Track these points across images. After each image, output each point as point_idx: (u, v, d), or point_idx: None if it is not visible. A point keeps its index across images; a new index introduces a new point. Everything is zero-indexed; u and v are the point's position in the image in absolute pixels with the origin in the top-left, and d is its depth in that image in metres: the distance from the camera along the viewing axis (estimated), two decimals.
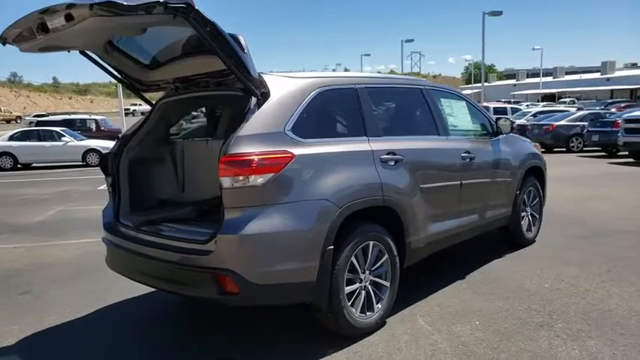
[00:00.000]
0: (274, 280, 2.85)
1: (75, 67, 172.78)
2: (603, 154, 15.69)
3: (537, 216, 5.47)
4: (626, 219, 6.45)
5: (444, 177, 4.06)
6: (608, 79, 54.59)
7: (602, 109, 22.86)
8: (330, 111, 3.47)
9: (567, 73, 69.00)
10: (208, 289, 2.84)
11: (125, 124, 21.23)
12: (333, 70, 37.16)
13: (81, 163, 16.62)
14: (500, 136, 4.88)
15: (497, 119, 4.98)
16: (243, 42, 2.82)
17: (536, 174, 5.38)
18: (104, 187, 4.44)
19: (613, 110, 21.66)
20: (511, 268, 4.62)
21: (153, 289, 3.82)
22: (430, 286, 4.12)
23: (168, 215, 3.50)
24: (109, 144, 15.10)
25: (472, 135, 4.69)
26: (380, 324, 3.38)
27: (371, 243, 3.29)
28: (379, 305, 3.38)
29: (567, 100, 46.74)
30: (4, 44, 2.95)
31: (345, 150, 3.24)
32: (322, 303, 3.03)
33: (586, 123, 16.52)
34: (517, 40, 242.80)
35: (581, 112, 18.74)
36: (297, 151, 2.92)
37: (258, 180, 2.78)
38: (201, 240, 2.91)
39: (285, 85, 3.16)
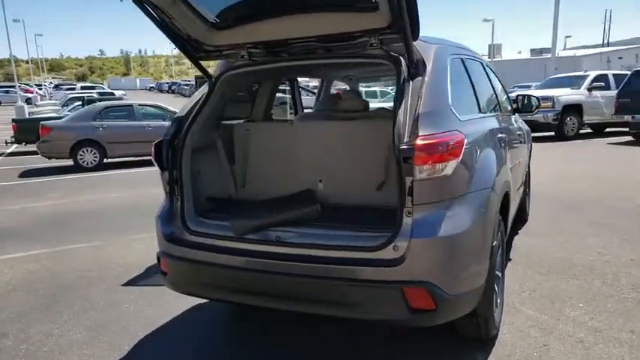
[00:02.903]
0: (461, 288, 2.36)
1: None
2: None
3: (529, 192, 5.67)
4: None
5: (517, 156, 3.91)
6: None
7: None
8: (460, 82, 3.01)
9: None
10: (393, 309, 2.24)
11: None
12: None
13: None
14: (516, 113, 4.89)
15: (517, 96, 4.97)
16: None
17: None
18: None
19: None
20: (540, 244, 4.68)
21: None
22: None
23: (281, 218, 2.70)
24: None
25: (507, 110, 4.59)
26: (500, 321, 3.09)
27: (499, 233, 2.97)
28: (498, 300, 3.09)
29: None
30: None
31: (488, 129, 2.89)
32: (483, 307, 2.63)
33: None
34: None
35: None
36: (463, 130, 2.46)
37: (447, 168, 2.27)
38: (371, 247, 2.29)
39: (426, 49, 2.66)
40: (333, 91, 5.11)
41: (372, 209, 2.87)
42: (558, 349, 2.84)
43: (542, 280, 3.84)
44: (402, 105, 2.34)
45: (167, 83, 68.58)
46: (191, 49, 2.86)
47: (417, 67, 2.50)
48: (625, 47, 42.85)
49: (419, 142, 2.20)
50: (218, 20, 2.74)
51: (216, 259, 2.61)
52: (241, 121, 3.62)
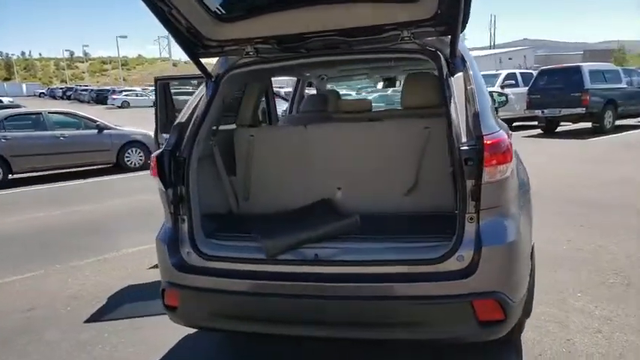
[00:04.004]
0: (521, 293, 2.22)
1: None
2: None
3: None
4: None
5: None
6: None
7: None
8: None
9: None
10: (462, 325, 2.06)
11: None
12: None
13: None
14: None
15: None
16: None
17: None
18: None
19: None
20: (560, 238, 4.64)
21: None
22: None
23: (320, 233, 2.38)
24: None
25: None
26: None
27: None
28: None
29: None
30: None
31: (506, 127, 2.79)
32: (526, 308, 2.53)
33: None
34: None
35: None
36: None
37: (508, 169, 2.13)
38: (433, 259, 2.09)
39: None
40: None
41: (405, 217, 2.68)
42: (583, 342, 2.84)
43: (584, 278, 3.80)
44: (453, 103, 2.18)
45: (61, 89, 63.26)
46: (191, 44, 2.48)
47: (455, 63, 2.35)
48: (514, 49, 47.10)
49: (488, 141, 2.04)
50: (223, 11, 2.39)
51: (241, 287, 2.27)
52: (233, 126, 3.24)
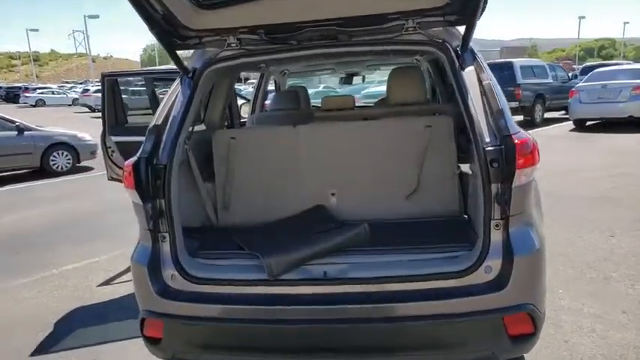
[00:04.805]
0: (544, 302, 2.09)
1: None
2: None
3: None
4: None
5: None
6: None
7: None
8: None
9: None
10: (493, 342, 1.90)
11: None
12: None
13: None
14: None
15: None
16: None
17: None
18: None
19: None
20: (574, 238, 4.57)
21: None
22: None
23: (328, 246, 2.09)
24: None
25: None
26: None
27: None
28: None
29: None
30: None
31: None
32: None
33: None
34: None
35: None
36: None
37: (534, 172, 1.98)
38: (458, 271, 1.90)
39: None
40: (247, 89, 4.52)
41: (408, 224, 2.47)
42: (581, 342, 2.80)
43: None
44: (470, 100, 1.99)
45: None
46: (167, 34, 2.11)
47: (465, 56, 2.16)
48: None
49: (517, 141, 1.86)
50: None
51: (239, 313, 1.99)
52: (202, 127, 2.87)
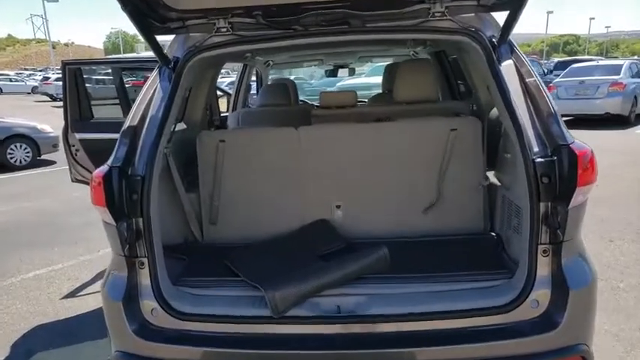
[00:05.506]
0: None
1: None
2: None
3: None
4: None
5: None
6: None
7: None
8: None
9: None
10: None
11: None
12: None
13: None
14: None
15: None
16: None
17: None
18: None
19: None
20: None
21: None
22: None
23: (344, 274, 1.75)
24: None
25: None
26: None
27: None
28: None
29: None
30: None
31: None
32: None
33: None
34: None
35: None
36: None
37: (590, 190, 1.68)
38: (500, 306, 1.61)
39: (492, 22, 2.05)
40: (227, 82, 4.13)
41: (428, 242, 2.16)
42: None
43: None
44: (513, 100, 1.69)
45: None
46: (143, 15, 1.72)
47: (502, 48, 1.85)
48: None
49: (578, 152, 1.57)
50: None
51: (235, 358, 1.63)
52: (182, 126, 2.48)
